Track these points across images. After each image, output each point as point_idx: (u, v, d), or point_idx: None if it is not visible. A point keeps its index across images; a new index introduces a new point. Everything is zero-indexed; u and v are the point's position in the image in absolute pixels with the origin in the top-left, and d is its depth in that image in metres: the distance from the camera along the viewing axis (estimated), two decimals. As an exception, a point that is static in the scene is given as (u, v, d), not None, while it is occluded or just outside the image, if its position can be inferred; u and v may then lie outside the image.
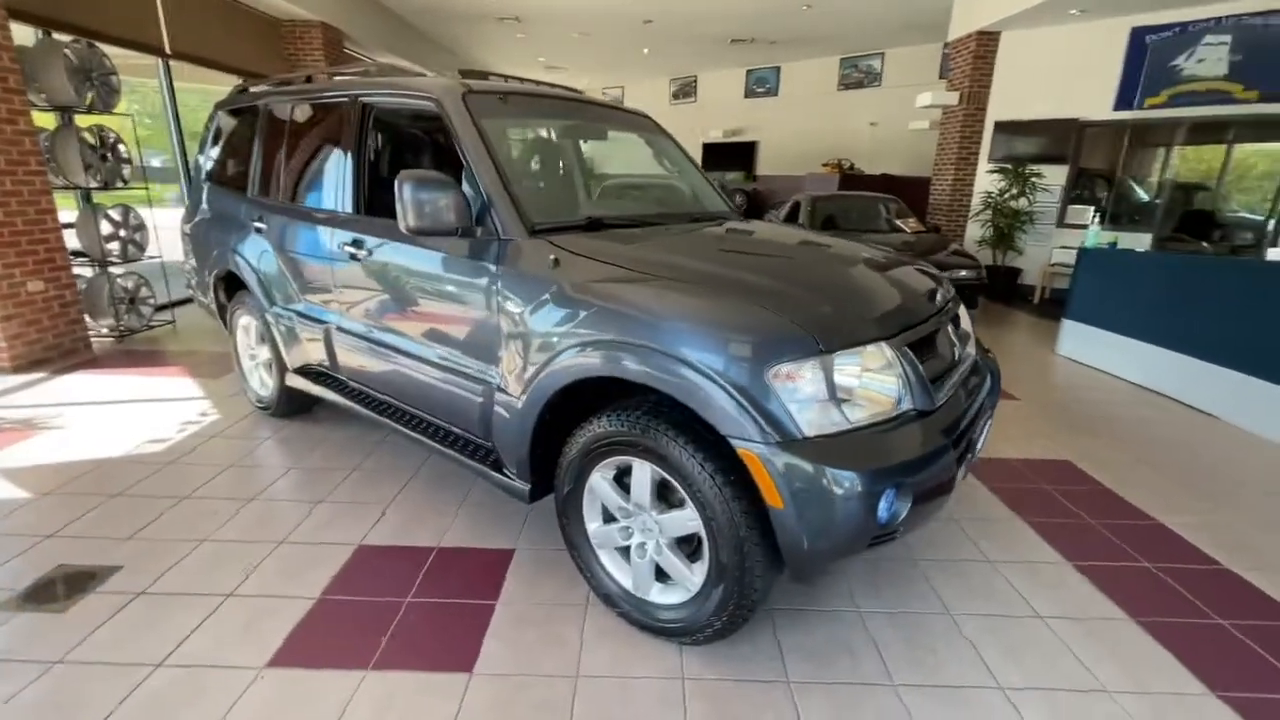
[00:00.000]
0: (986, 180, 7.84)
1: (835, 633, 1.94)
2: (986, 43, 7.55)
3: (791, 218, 6.91)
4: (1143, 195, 7.29)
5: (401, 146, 2.93)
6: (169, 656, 1.78)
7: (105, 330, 4.97)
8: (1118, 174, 7.30)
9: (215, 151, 3.55)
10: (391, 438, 3.25)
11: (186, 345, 4.91)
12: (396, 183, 1.98)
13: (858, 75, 12.12)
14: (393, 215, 2.00)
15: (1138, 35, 6.72)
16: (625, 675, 1.76)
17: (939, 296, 2.10)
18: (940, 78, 10.76)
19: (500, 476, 2.15)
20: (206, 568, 2.19)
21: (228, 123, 3.50)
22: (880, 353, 1.62)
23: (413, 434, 2.46)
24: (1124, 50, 6.79)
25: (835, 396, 1.53)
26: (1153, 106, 6.76)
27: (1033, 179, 7.35)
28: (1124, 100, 6.91)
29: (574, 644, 1.87)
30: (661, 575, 1.87)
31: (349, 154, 2.63)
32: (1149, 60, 6.71)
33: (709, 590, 1.70)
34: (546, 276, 1.91)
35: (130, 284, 5.02)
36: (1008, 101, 7.66)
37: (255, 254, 3.10)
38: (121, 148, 4.88)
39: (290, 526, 2.45)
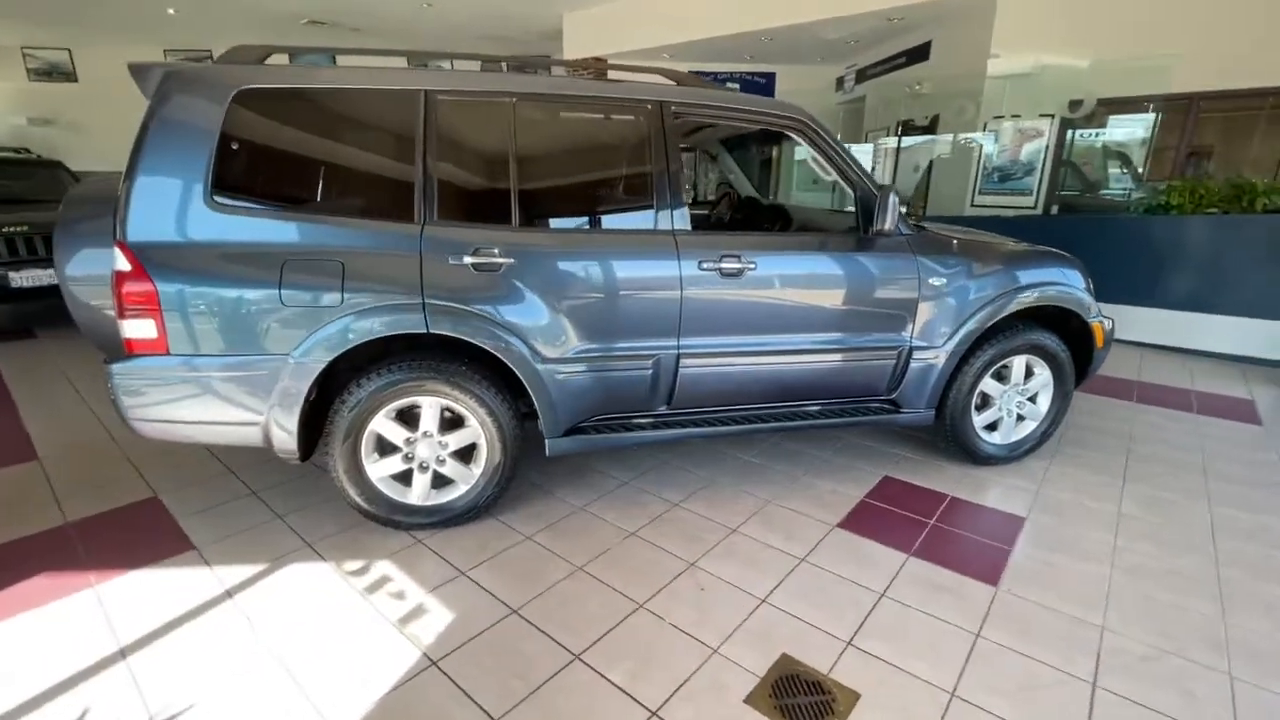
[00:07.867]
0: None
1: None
2: (602, 66, 9.49)
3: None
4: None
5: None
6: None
7: None
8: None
9: (238, 159, 2.08)
10: (659, 465, 2.94)
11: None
12: (884, 193, 2.42)
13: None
14: (757, 228, 2.41)
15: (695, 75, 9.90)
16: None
17: None
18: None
19: (904, 416, 2.83)
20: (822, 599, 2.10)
21: (278, 117, 2.11)
22: None
23: (793, 424, 2.70)
24: (688, 85, 9.90)
25: None
26: (709, 125, 10.18)
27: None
28: (693, 119, 10.11)
29: (1038, 488, 2.89)
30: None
31: (671, 166, 2.43)
32: (701, 93, 10.03)
33: (1052, 415, 3.04)
34: (955, 255, 2.73)
35: None
36: (622, 115, 9.91)
37: (498, 302, 2.25)
38: None
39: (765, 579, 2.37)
